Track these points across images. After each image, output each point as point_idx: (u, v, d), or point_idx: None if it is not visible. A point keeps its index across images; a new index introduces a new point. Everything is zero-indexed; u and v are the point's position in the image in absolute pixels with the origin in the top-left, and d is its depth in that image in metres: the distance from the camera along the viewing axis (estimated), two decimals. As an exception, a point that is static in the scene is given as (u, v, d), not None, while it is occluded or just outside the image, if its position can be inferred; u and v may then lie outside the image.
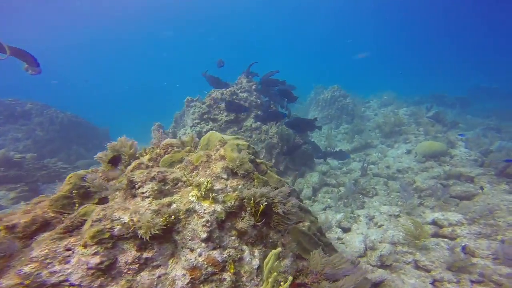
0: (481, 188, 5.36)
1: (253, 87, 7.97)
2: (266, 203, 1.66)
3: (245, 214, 1.65)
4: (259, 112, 7.55)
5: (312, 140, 8.63)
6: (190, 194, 1.60)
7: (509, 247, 3.18)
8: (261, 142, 6.80)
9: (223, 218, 1.56)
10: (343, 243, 4.06)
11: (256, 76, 8.13)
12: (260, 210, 1.65)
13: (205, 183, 1.59)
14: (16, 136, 9.73)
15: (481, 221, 4.08)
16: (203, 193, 1.57)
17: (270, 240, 1.78)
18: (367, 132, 9.62)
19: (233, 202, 1.63)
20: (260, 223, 1.70)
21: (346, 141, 8.84)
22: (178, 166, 2.03)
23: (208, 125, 6.82)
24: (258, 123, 7.07)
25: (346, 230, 4.49)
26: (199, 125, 6.89)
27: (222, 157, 1.97)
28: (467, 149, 7.47)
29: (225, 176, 1.79)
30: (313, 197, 5.99)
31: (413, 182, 5.77)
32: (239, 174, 1.87)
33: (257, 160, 2.36)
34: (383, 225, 4.39)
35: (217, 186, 1.72)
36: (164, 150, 2.27)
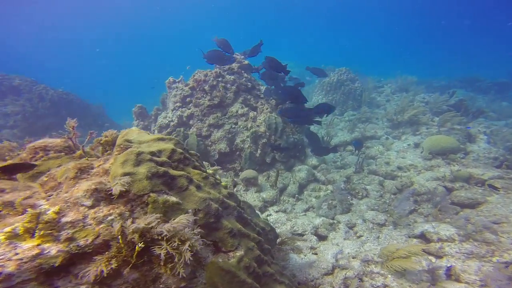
0: (491, 187, 4.77)
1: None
2: (143, 242, 1.32)
3: (111, 253, 1.31)
4: (248, 96, 7.05)
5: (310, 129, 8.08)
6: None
7: (499, 273, 2.74)
8: (246, 130, 6.39)
9: (58, 264, 1.20)
10: (315, 254, 3.74)
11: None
12: (135, 252, 1.31)
13: (35, 213, 1.22)
14: (4, 111, 9.85)
15: (478, 237, 3.59)
16: (26, 227, 1.20)
17: (162, 286, 1.45)
18: (374, 120, 8.90)
19: (90, 240, 1.28)
20: (141, 261, 1.37)
21: (347, 130, 8.20)
22: (38, 182, 1.69)
23: (189, 109, 6.44)
24: (245, 109, 6.61)
25: (322, 238, 4.15)
26: (180, 110, 6.53)
27: (105, 172, 1.61)
28: (487, 144, 6.71)
29: (88, 202, 1.41)
30: (297, 195, 5.63)
31: (410, 183, 5.24)
32: (124, 198, 1.52)
33: (179, 173, 1.98)
34: (363, 236, 4.00)
35: (67, 217, 1.35)
36: (32, 156, 1.90)
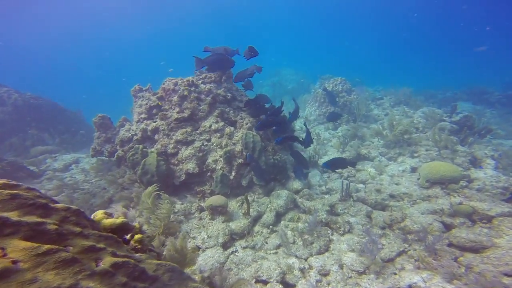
0: None
1: (224, 77, 6.92)
2: None
3: None
4: (227, 109, 6.56)
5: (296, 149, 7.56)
6: None
7: None
8: (220, 149, 5.87)
9: None
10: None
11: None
12: None
13: None
14: None
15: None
16: None
17: None
18: (368, 137, 8.37)
19: None
20: None
21: (337, 149, 7.67)
22: None
23: (155, 122, 5.94)
24: (221, 123, 6.10)
25: (289, 287, 3.57)
26: (144, 122, 6.03)
27: None
28: (495, 171, 6.14)
29: None
30: (272, 226, 5.05)
31: (401, 218, 4.66)
32: None
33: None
34: (336, 289, 3.42)
35: None
36: None
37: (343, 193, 5.37)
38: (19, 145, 10.00)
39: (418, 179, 5.92)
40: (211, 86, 6.43)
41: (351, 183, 5.82)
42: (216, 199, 5.00)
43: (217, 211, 5.00)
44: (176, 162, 5.74)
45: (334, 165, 5.22)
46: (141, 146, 5.36)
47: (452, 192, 5.32)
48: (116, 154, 6.09)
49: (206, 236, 4.39)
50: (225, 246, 4.40)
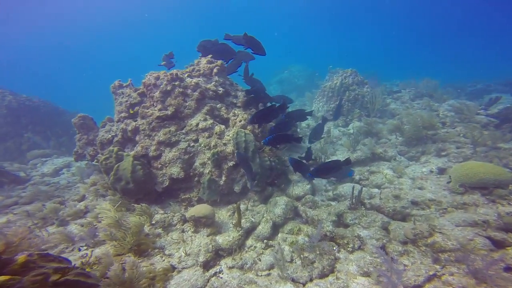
0: None
1: (215, 69, 6.34)
2: None
3: None
4: (218, 105, 5.95)
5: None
6: None
7: None
8: (209, 150, 5.24)
9: None
10: None
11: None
12: None
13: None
14: None
15: None
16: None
17: None
18: (384, 134, 7.46)
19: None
20: None
21: (347, 148, 6.81)
22: None
23: (135, 122, 5.41)
24: (210, 121, 5.49)
25: (279, 325, 2.83)
26: (124, 122, 5.52)
27: None
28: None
29: None
30: (266, 240, 4.33)
31: (429, 231, 3.78)
32: None
33: None
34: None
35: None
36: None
37: (353, 199, 4.56)
38: (15, 149, 9.90)
39: (449, 182, 4.99)
40: (199, 80, 5.85)
41: (363, 188, 4.99)
42: (199, 209, 4.35)
43: (201, 223, 4.34)
44: (159, 166, 5.16)
45: (322, 171, 4.30)
46: (115, 148, 4.82)
47: (498, 199, 4.36)
48: (96, 158, 5.61)
49: (183, 254, 3.73)
50: (206, 265, 3.72)
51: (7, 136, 10.01)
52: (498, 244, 3.59)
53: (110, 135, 5.52)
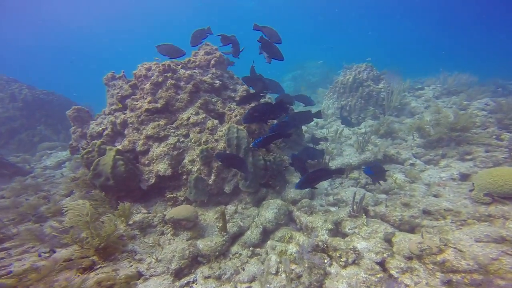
0: None
1: (213, 61, 6.08)
2: None
3: None
4: (213, 99, 5.69)
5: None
6: None
7: None
8: (199, 146, 4.97)
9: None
10: None
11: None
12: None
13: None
14: None
15: None
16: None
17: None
18: (400, 134, 6.81)
19: None
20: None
21: (356, 148, 6.25)
22: None
23: (124, 114, 5.26)
24: (202, 115, 5.22)
25: None
26: (114, 115, 5.40)
27: None
28: None
29: None
30: (252, 248, 3.98)
31: (438, 248, 3.23)
32: None
33: None
34: None
35: None
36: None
37: (354, 206, 4.07)
38: (28, 142, 10.29)
39: (471, 190, 4.35)
40: (194, 72, 5.60)
41: (368, 193, 4.48)
42: (179, 210, 4.08)
43: (181, 226, 4.07)
44: (146, 162, 4.97)
45: (309, 182, 3.67)
46: (98, 142, 4.68)
47: (528, 212, 3.70)
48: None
49: (154, 260, 3.46)
50: (179, 274, 3.43)
51: (22, 128, 10.43)
52: (529, 268, 2.98)
53: (100, 128, 5.42)
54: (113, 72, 5.87)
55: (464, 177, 4.95)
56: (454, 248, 3.30)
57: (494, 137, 6.07)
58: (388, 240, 3.62)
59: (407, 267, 3.17)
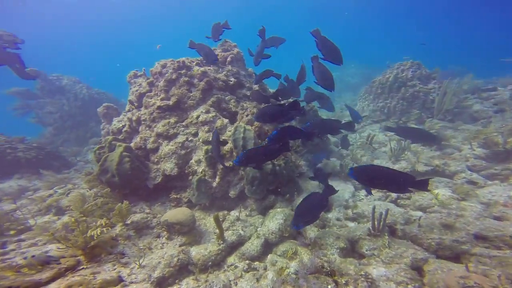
0: None
1: (229, 58, 5.94)
2: None
3: None
4: (227, 97, 5.50)
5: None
6: None
7: None
8: (205, 144, 4.77)
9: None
10: None
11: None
12: None
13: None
14: (50, 109, 11.61)
15: None
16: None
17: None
18: (453, 142, 5.66)
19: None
20: None
21: (389, 156, 5.33)
22: None
23: (139, 111, 5.36)
24: (212, 114, 5.04)
25: None
26: (131, 112, 5.55)
27: None
28: None
29: None
30: (251, 261, 3.53)
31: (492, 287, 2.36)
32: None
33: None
34: None
35: None
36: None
37: (375, 222, 3.34)
38: (82, 136, 11.68)
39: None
40: (208, 69, 5.50)
41: (398, 208, 3.68)
42: (175, 214, 3.85)
43: (175, 230, 3.82)
44: (155, 160, 4.94)
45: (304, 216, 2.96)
46: (110, 137, 4.79)
47: None
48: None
49: (137, 265, 3.25)
50: (161, 283, 3.14)
51: (79, 124, 11.91)
52: None
53: (120, 125, 5.62)
54: (136, 71, 6.11)
55: (540, 197, 3.77)
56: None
57: None
58: (416, 267, 2.83)
59: (439, 311, 2.38)
